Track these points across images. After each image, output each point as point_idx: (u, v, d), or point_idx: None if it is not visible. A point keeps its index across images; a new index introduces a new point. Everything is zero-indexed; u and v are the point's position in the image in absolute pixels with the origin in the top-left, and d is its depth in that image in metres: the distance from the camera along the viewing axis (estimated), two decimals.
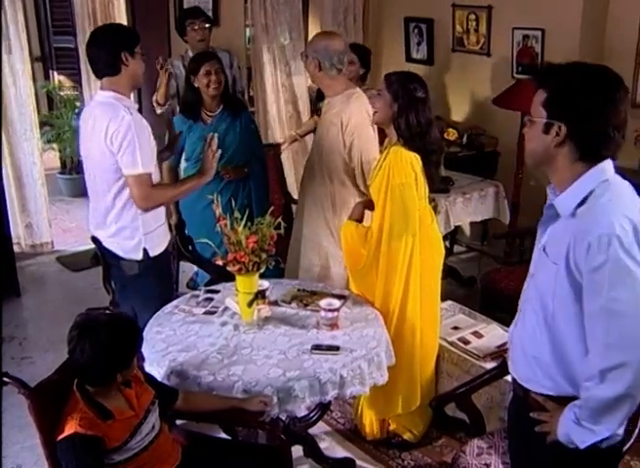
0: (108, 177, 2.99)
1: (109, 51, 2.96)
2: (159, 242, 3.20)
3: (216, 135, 3.14)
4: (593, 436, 1.82)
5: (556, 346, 1.90)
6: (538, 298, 1.94)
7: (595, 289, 1.75)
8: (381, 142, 3.34)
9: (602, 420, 1.80)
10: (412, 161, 2.95)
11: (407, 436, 3.35)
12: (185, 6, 5.48)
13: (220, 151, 3.12)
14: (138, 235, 3.08)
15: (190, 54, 4.79)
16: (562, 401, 1.91)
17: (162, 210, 3.22)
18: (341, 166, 3.45)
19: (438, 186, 3.20)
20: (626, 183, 1.87)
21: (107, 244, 3.16)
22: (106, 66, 2.98)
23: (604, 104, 1.77)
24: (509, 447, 2.38)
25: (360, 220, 3.20)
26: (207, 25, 4.82)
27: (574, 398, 1.88)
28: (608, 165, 1.83)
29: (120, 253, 3.12)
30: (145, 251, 3.10)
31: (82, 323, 2.13)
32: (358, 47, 4.95)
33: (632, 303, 1.73)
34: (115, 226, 3.08)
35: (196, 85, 3.96)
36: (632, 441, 2.21)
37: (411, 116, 2.93)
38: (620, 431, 1.84)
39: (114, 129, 2.88)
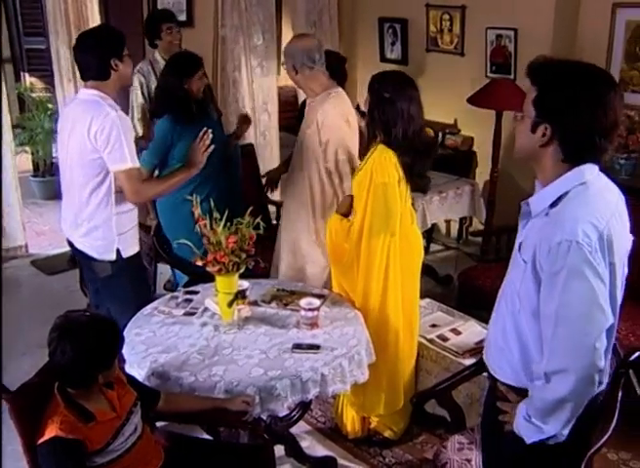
0: (86, 173, 2.99)
1: (99, 58, 2.97)
2: (132, 243, 3.20)
3: (209, 130, 3.18)
4: (539, 433, 1.87)
5: (520, 340, 1.95)
6: (509, 293, 1.98)
7: (550, 292, 1.77)
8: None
9: (548, 420, 1.85)
10: (396, 162, 2.98)
11: (387, 433, 3.37)
12: (159, 7, 5.44)
13: (212, 147, 3.15)
14: (111, 235, 3.08)
15: (159, 57, 4.75)
16: (522, 392, 1.96)
17: (136, 211, 3.23)
18: (321, 166, 3.46)
19: (420, 184, 3.21)
20: (605, 187, 1.87)
21: (80, 245, 3.14)
22: (97, 73, 2.99)
23: (591, 108, 1.74)
24: (481, 435, 2.40)
25: (347, 214, 3.21)
26: (178, 28, 4.81)
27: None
28: (589, 168, 1.82)
29: (93, 255, 3.11)
30: (118, 251, 3.10)
31: (62, 324, 2.12)
32: (328, 54, 4.40)
33: (581, 311, 1.75)
34: (87, 225, 3.07)
35: (186, 87, 3.91)
36: (608, 435, 2.25)
37: (376, 114, 2.99)
38: (565, 431, 1.87)
39: (99, 125, 2.88)
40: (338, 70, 4.34)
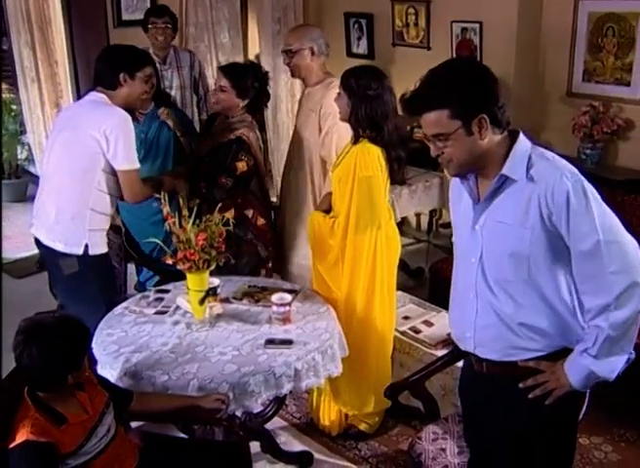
0: (80, 161, 3.06)
1: (109, 67, 3.14)
2: (101, 243, 3.21)
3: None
4: (618, 363, 1.94)
5: (542, 302, 1.98)
6: (506, 270, 1.99)
7: (585, 229, 1.86)
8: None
9: (621, 345, 1.92)
10: (379, 155, 2.98)
11: (363, 427, 3.38)
12: (123, 5, 5.39)
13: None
14: (82, 227, 3.09)
15: (151, 52, 4.68)
16: (553, 357, 2.01)
17: (110, 218, 3.26)
18: (318, 155, 3.48)
19: (402, 176, 3.24)
20: None
21: (48, 239, 3.13)
22: (104, 81, 3.15)
23: (495, 82, 1.95)
24: (466, 434, 2.40)
25: (329, 211, 3.20)
26: (168, 26, 4.72)
27: (565, 350, 2.00)
28: (523, 136, 1.99)
29: (60, 247, 3.10)
30: (86, 247, 3.10)
31: (27, 327, 2.09)
32: (239, 68, 3.67)
33: (620, 230, 1.90)
34: (62, 213, 3.08)
35: None
36: (579, 419, 2.27)
37: (361, 112, 2.96)
38: (633, 352, 1.97)
39: (114, 121, 3.02)
40: (246, 89, 3.53)
